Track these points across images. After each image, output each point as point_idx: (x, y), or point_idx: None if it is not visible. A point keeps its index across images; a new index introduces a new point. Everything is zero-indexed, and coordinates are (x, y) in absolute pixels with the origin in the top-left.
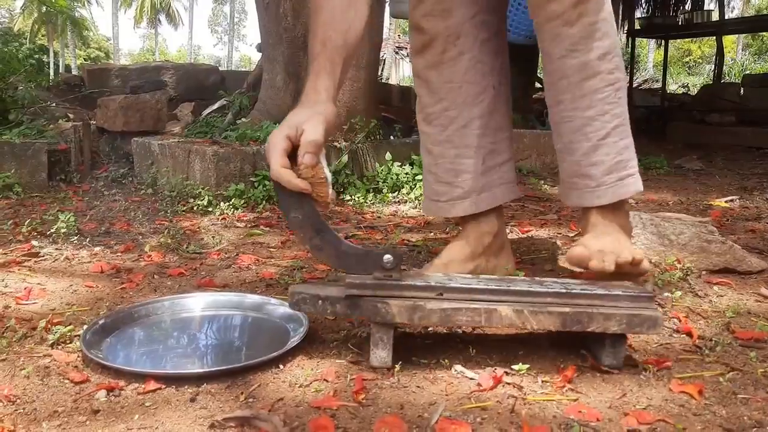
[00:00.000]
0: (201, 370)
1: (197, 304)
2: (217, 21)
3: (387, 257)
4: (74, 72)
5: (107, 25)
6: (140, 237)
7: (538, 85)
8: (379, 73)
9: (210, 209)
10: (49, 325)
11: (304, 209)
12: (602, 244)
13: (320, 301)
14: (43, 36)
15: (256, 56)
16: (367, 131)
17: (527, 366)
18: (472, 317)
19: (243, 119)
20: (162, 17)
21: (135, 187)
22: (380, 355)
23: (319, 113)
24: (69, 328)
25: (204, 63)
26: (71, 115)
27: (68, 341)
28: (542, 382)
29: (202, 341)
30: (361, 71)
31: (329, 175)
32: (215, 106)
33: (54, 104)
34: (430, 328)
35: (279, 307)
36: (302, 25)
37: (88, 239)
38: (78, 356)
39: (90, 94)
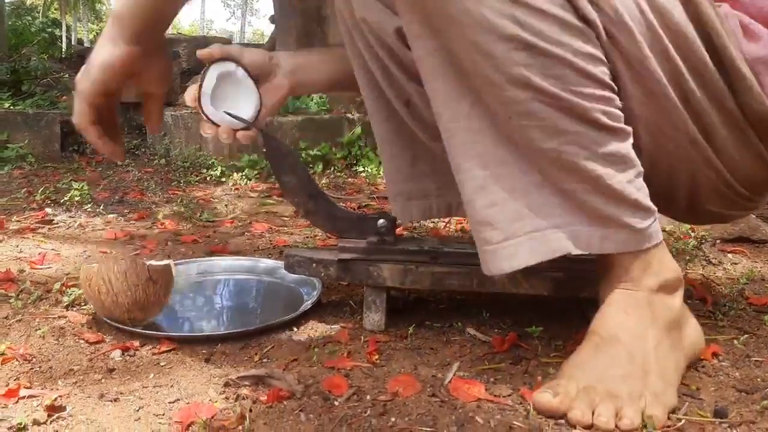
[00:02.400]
0: (215, 332)
1: (212, 268)
2: None
3: (381, 221)
4: (86, 45)
5: None
6: (154, 206)
7: None
8: None
9: (223, 179)
10: (64, 288)
11: (297, 173)
12: (597, 375)
13: (314, 264)
14: (56, 10)
15: (269, 30)
16: None
17: (540, 329)
18: (463, 281)
19: None
20: None
21: (148, 158)
22: (373, 318)
23: (266, 54)
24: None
25: (217, 36)
26: None
27: (83, 303)
28: (555, 345)
29: (216, 304)
30: None
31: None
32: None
33: (67, 75)
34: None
35: None
36: None
37: (102, 207)
38: (92, 318)
39: None
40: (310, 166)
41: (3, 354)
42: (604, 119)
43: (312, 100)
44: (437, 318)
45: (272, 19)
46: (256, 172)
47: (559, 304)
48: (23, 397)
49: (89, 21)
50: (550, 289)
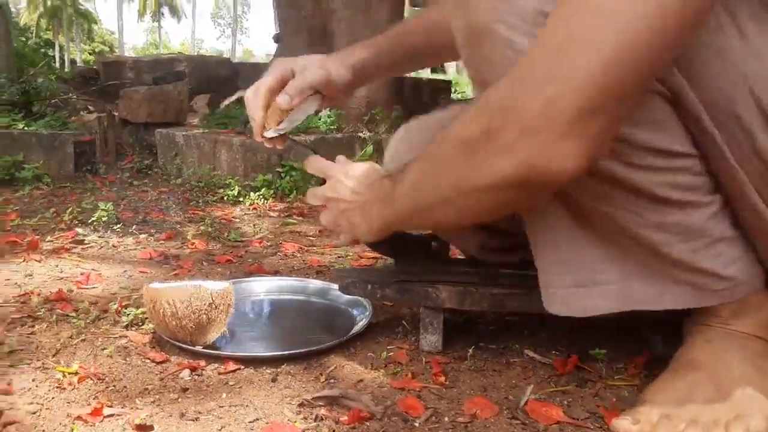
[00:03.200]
0: (279, 353)
1: (260, 288)
2: (220, 14)
3: (435, 243)
4: (79, 66)
5: (110, 20)
6: (178, 225)
7: None
8: None
9: (240, 199)
10: (120, 308)
11: None
12: (679, 401)
13: (369, 286)
14: (48, 31)
15: (259, 49)
16: (390, 122)
17: (604, 351)
18: (523, 303)
19: None
20: (165, 10)
21: (159, 178)
22: (430, 339)
23: (327, 69)
24: (141, 310)
25: (216, 55)
26: (91, 107)
27: (141, 323)
28: (615, 368)
29: (270, 324)
30: None
31: (290, 127)
32: (233, 98)
33: (75, 96)
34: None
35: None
36: (321, 13)
37: (134, 227)
38: (152, 337)
39: (108, 85)
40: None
41: (77, 373)
42: (662, 191)
43: (320, 119)
44: (491, 339)
45: (276, 38)
46: (271, 191)
47: (613, 326)
48: (108, 416)
49: (81, 41)
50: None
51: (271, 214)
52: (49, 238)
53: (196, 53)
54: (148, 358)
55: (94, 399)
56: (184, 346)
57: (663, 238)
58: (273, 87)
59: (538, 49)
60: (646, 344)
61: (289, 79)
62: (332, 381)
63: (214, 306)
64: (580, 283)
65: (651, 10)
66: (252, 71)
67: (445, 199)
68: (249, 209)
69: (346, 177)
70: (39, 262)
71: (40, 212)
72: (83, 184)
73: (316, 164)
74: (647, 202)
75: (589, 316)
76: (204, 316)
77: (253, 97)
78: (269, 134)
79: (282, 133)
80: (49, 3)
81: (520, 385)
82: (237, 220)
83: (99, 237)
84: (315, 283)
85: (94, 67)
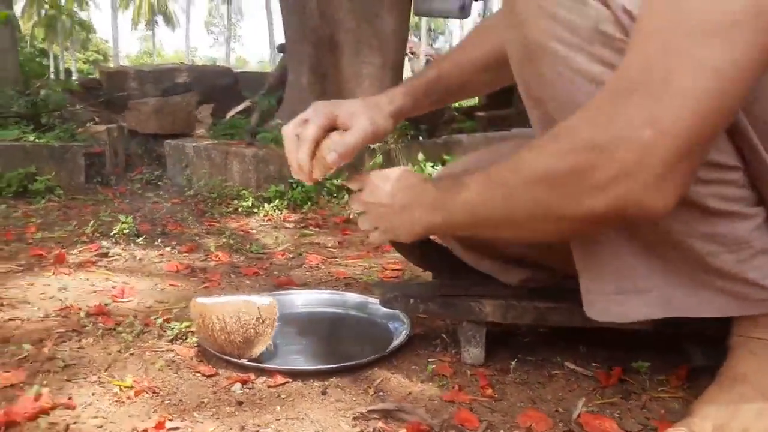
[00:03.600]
0: (327, 366)
1: (299, 301)
2: (213, 22)
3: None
4: (78, 76)
5: (104, 28)
6: (197, 237)
7: None
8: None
9: (255, 210)
10: (165, 322)
11: None
12: (731, 413)
13: (412, 300)
14: (43, 40)
15: (253, 57)
16: (399, 132)
17: (648, 364)
18: (566, 316)
19: (278, 120)
20: (159, 19)
21: (170, 189)
22: (473, 352)
23: (375, 122)
24: (185, 323)
25: (219, 65)
26: (97, 119)
27: (186, 336)
28: (657, 380)
29: (313, 338)
30: (387, 71)
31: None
32: (239, 108)
33: (81, 108)
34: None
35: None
36: (328, 25)
37: (158, 240)
38: (198, 350)
39: (117, 97)
40: (335, 195)
41: (132, 387)
42: (712, 203)
43: None
44: (530, 351)
45: (280, 48)
46: (285, 202)
47: (650, 339)
48: (171, 429)
49: (76, 50)
50: (653, 323)
51: (287, 225)
52: (72, 251)
53: (190, 61)
54: (198, 372)
55: (153, 412)
56: (231, 359)
57: (710, 248)
58: (318, 137)
59: (628, 87)
60: (684, 357)
61: (332, 125)
62: (381, 394)
63: (261, 320)
64: (621, 290)
65: (745, 61)
66: (252, 80)
67: (518, 222)
68: (264, 220)
69: (383, 181)
70: (68, 275)
71: (57, 225)
72: (94, 195)
73: (356, 179)
74: (697, 213)
75: (630, 321)
76: (252, 330)
77: (295, 144)
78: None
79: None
80: (43, 13)
81: (566, 398)
82: (254, 231)
83: (122, 250)
84: (353, 297)
85: (96, 77)
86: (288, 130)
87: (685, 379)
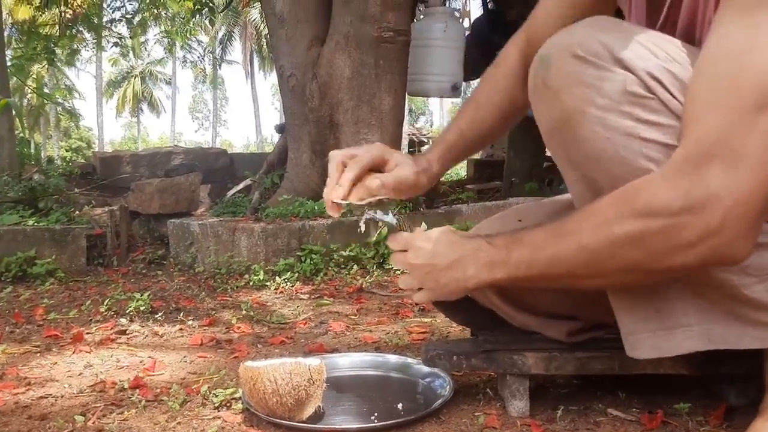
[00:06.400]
0: (381, 423)
1: (344, 363)
2: (198, 108)
3: None
4: (58, 162)
5: (90, 116)
6: (213, 312)
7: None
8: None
9: (267, 284)
10: (209, 390)
11: None
12: None
13: (455, 357)
14: (25, 128)
15: (239, 141)
16: (400, 203)
17: (689, 405)
18: (606, 365)
19: (285, 195)
20: (144, 106)
21: (173, 268)
22: (518, 405)
23: (418, 176)
24: (230, 390)
25: (214, 147)
26: (93, 202)
27: (229, 404)
28: (696, 421)
29: (358, 398)
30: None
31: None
32: (240, 186)
33: (78, 192)
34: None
35: (420, 366)
36: (327, 106)
37: (180, 315)
38: (245, 416)
39: (114, 180)
40: (343, 266)
41: None
42: None
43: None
44: (571, 401)
45: (278, 128)
46: (296, 275)
47: (680, 383)
48: None
49: (59, 139)
50: (690, 367)
51: (301, 296)
52: (88, 330)
53: (183, 144)
54: None
55: None
56: (282, 422)
57: (743, 279)
58: (368, 165)
59: (705, 156)
60: (717, 398)
61: (380, 165)
62: None
63: (311, 381)
64: (666, 327)
65: None
66: (247, 160)
67: (597, 274)
68: (276, 293)
69: (425, 242)
70: (89, 353)
71: (65, 306)
72: (97, 277)
73: (399, 240)
74: None
75: (681, 354)
76: (303, 392)
77: (339, 170)
78: (351, 201)
79: (351, 206)
80: (25, 102)
81: None
82: (270, 303)
83: (141, 326)
84: (393, 358)
85: (85, 162)
86: (337, 155)
87: (722, 418)
